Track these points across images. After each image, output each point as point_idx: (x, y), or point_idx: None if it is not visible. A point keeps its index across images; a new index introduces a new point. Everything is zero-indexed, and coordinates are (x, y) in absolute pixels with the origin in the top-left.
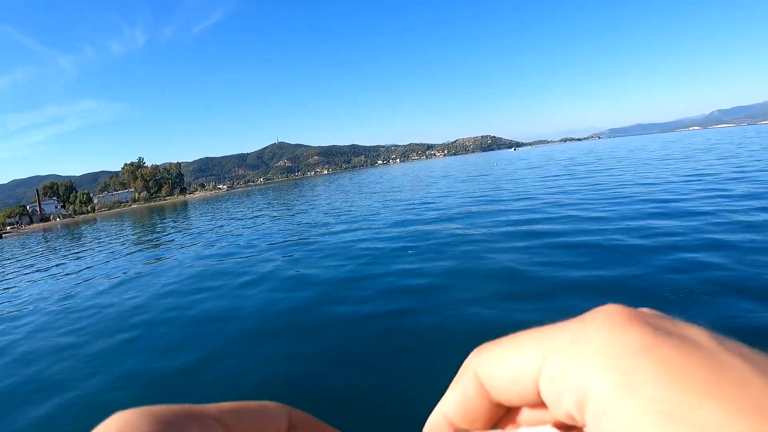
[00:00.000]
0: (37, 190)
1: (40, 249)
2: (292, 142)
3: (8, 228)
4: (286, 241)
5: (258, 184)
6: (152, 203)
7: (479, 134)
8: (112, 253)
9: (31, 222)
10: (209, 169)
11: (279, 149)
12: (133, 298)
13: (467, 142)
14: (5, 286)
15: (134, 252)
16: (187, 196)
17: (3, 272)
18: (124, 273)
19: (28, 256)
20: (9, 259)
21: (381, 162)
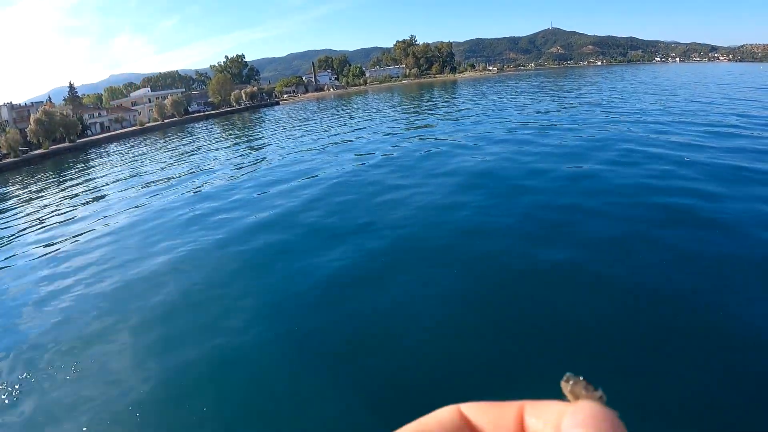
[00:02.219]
0: (312, 63)
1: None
2: (566, 28)
3: (284, 96)
4: None
5: (528, 69)
6: (422, 80)
7: None
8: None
9: (306, 91)
10: (480, 50)
11: (552, 35)
12: None
13: (756, 49)
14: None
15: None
16: (457, 75)
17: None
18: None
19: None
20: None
21: (659, 59)
